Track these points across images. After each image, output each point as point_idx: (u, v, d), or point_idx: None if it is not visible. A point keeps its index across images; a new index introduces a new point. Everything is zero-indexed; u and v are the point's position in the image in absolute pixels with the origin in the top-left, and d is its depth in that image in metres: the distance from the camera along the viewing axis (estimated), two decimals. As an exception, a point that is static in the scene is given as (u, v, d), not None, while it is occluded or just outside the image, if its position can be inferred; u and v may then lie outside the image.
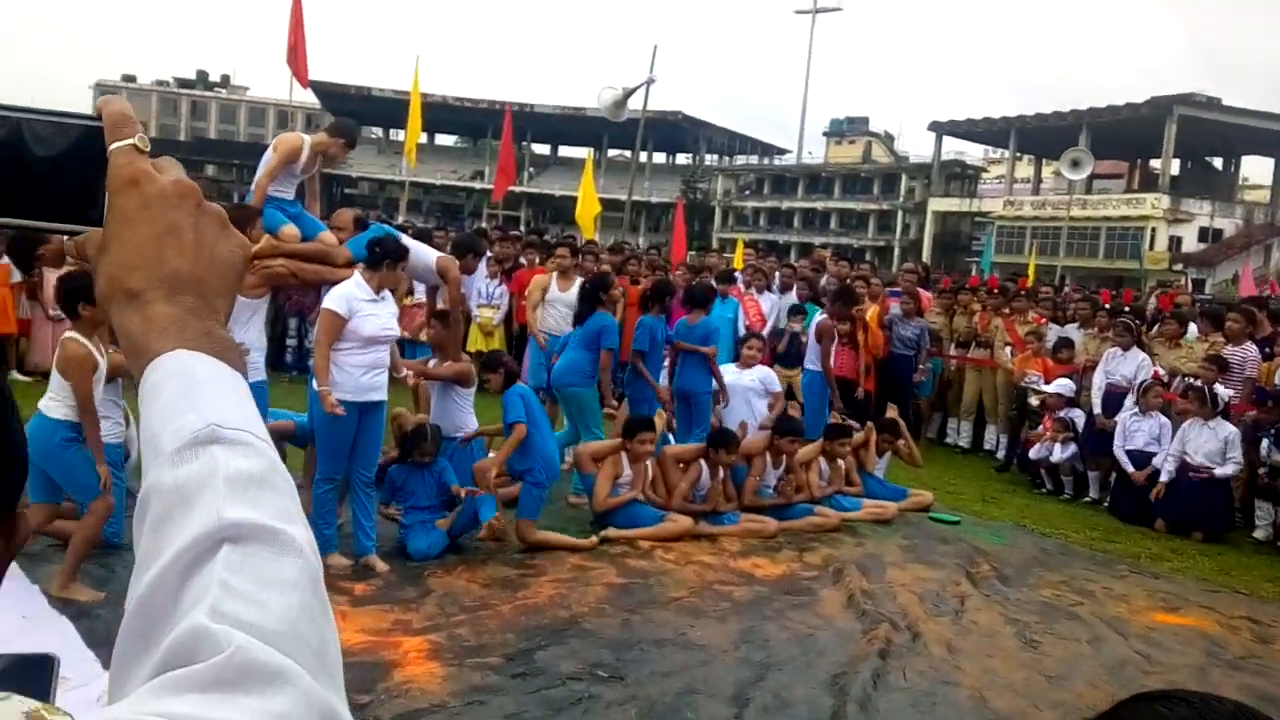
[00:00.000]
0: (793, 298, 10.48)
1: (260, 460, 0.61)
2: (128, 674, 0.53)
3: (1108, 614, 5.67)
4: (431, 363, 6.48)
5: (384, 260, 5.28)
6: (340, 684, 0.55)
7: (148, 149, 0.71)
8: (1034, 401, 9.28)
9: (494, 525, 5.75)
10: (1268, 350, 8.55)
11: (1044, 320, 10.15)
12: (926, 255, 65.42)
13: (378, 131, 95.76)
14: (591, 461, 6.47)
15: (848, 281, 10.30)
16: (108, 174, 0.69)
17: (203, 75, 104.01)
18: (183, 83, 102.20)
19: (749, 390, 7.81)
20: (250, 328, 5.47)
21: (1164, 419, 8.10)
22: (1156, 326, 9.79)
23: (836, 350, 8.62)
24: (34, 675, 0.69)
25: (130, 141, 0.71)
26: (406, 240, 6.21)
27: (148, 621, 0.54)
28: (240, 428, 0.62)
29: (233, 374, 0.66)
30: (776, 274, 11.49)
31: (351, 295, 5.18)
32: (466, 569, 5.48)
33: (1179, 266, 52.06)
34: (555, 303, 8.63)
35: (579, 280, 8.55)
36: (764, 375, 8.02)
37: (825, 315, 8.69)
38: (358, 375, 5.17)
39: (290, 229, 5.79)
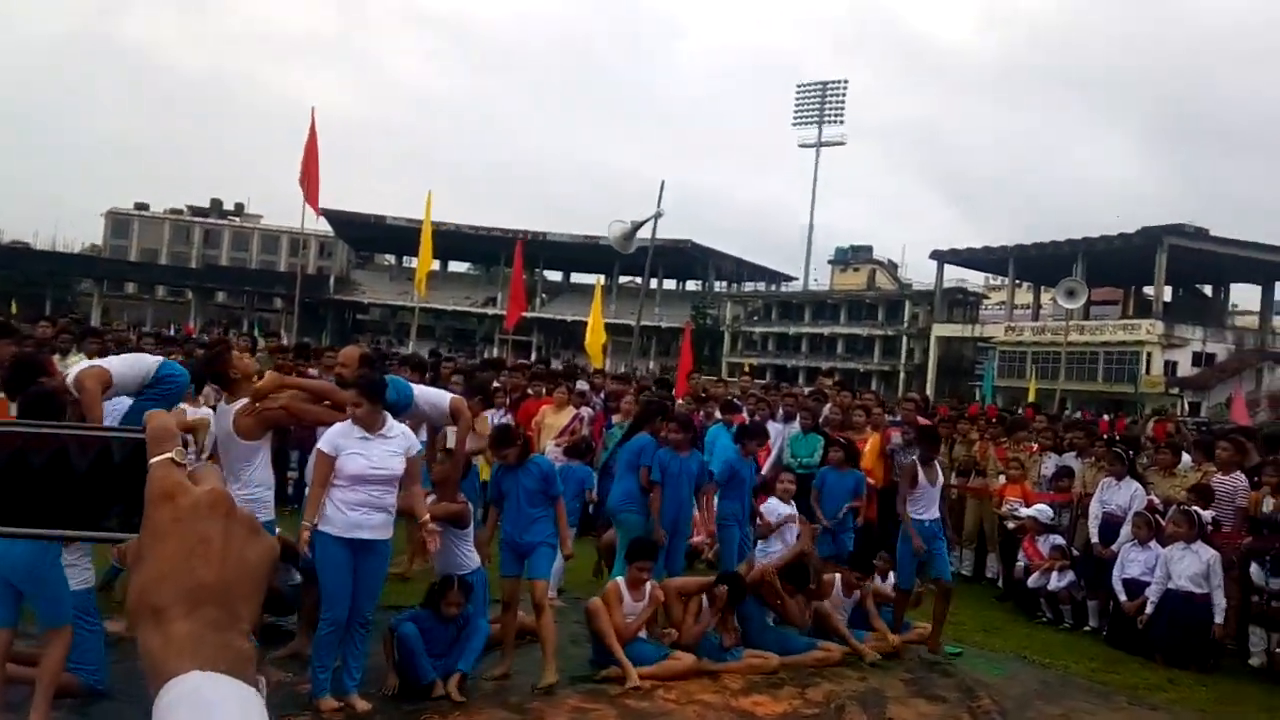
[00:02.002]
0: (796, 426, 10.70)
1: None
2: None
3: (1105, 747, 5.74)
4: (430, 499, 6.47)
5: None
6: None
7: (185, 462, 0.76)
8: (1010, 525, 9.45)
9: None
10: (1256, 479, 8.73)
11: (1034, 449, 10.36)
12: (931, 380, 66.04)
13: (390, 259, 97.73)
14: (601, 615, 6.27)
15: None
16: (146, 487, 0.73)
17: (216, 203, 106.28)
18: (196, 210, 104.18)
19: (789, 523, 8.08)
20: (259, 467, 5.60)
21: (1160, 549, 8.24)
22: (1149, 455, 9.98)
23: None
24: None
25: (168, 455, 0.74)
26: (417, 388, 6.50)
27: None
28: None
29: (243, 691, 0.69)
30: (780, 403, 11.74)
31: (340, 434, 5.31)
32: (463, 713, 5.41)
33: (1175, 390, 52.57)
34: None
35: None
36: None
37: (910, 456, 8.60)
38: (346, 512, 5.22)
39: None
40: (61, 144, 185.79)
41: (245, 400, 5.54)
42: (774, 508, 8.12)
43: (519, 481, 6.02)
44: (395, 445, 5.36)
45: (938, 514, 7.73)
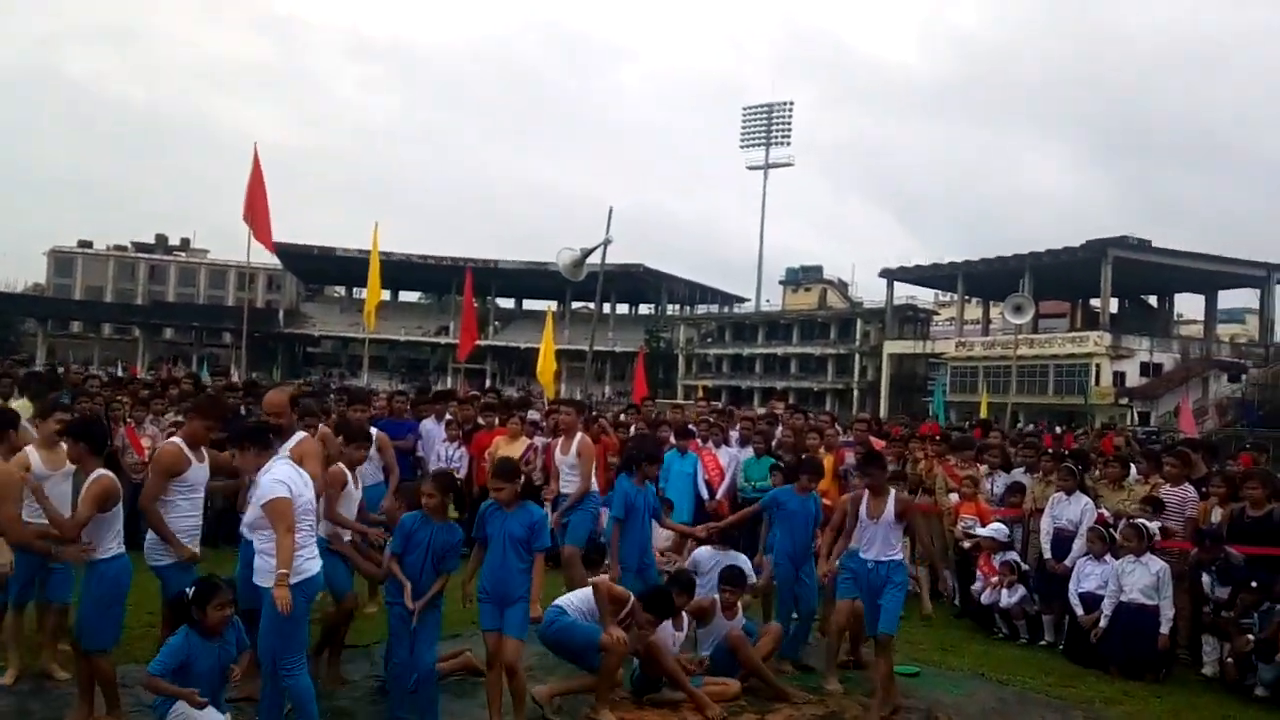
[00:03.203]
0: (750, 451, 10.72)
1: None
2: None
3: (1063, 763, 5.76)
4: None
5: (243, 443, 5.33)
6: None
7: None
8: (965, 544, 9.52)
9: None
10: (1204, 490, 8.88)
11: (979, 465, 10.44)
12: (884, 396, 66.75)
13: (340, 290, 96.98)
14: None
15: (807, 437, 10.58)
16: None
17: (162, 239, 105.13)
18: (141, 247, 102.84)
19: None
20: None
21: (1116, 562, 8.31)
22: (1099, 470, 10.09)
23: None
24: None
25: None
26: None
27: None
28: None
29: None
30: (736, 427, 11.75)
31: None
32: None
33: (1124, 400, 53.60)
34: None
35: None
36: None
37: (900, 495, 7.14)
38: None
39: None
40: None
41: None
42: (706, 556, 7.78)
43: (506, 526, 5.58)
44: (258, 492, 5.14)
45: (885, 556, 6.64)
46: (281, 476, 5.09)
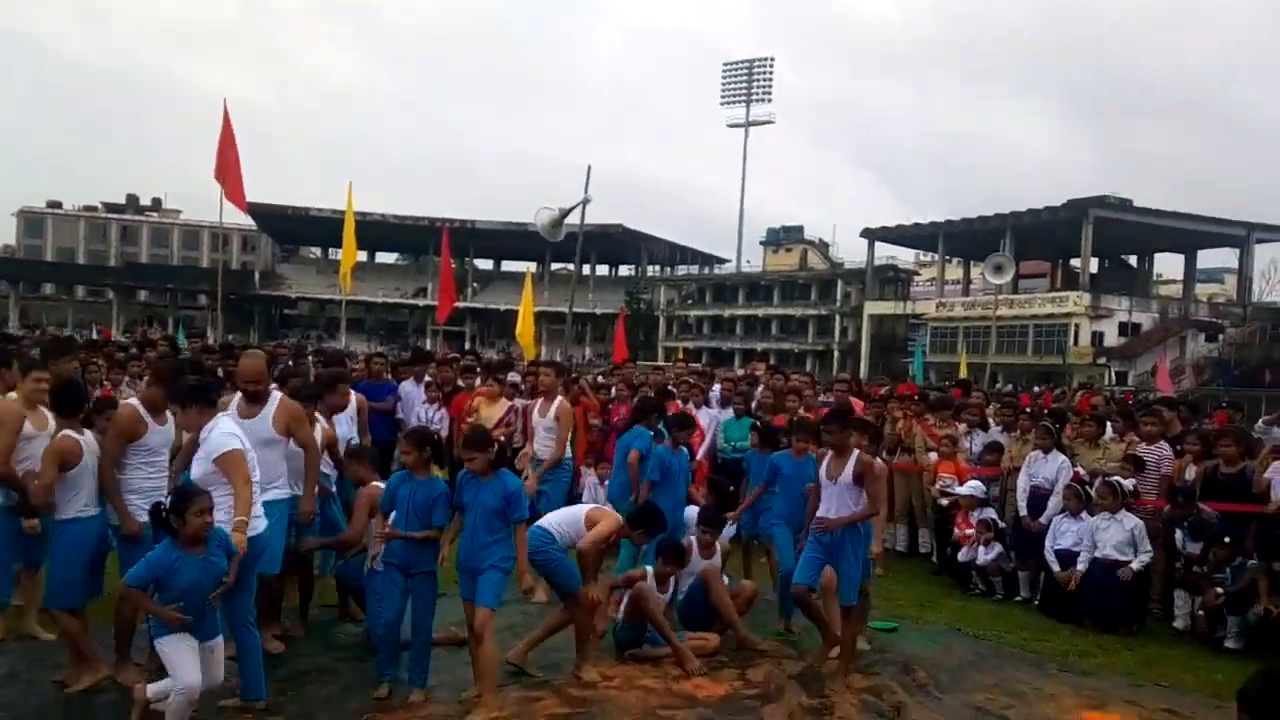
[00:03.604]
0: (730, 412, 10.72)
1: None
2: None
3: (1037, 715, 5.85)
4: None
5: (186, 401, 5.30)
6: None
7: None
8: (943, 502, 9.61)
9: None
10: (1179, 448, 8.99)
11: (958, 425, 10.52)
12: (865, 357, 67.01)
13: (316, 251, 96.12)
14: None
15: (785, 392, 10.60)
16: None
17: (133, 199, 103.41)
18: (112, 207, 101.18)
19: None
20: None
21: (1091, 519, 8.42)
22: (1075, 428, 10.19)
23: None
24: None
25: None
26: None
27: None
28: None
29: None
30: (715, 387, 11.76)
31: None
32: (405, 710, 5.39)
33: (1102, 360, 53.99)
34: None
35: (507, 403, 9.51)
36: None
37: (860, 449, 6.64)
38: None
39: None
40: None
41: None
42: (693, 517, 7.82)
43: (480, 497, 5.45)
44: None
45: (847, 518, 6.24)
46: (229, 429, 5.11)
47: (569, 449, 8.76)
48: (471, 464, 5.49)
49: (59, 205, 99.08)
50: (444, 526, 5.51)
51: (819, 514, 6.46)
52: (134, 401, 5.75)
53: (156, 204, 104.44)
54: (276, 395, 6.04)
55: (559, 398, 8.67)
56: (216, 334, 32.82)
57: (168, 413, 5.67)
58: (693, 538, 7.22)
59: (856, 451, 6.37)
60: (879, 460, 7.47)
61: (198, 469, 5.11)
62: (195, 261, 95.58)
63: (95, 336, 36.32)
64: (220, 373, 10.73)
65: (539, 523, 6.28)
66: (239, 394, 6.03)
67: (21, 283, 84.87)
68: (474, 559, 5.41)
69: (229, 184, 16.48)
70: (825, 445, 6.53)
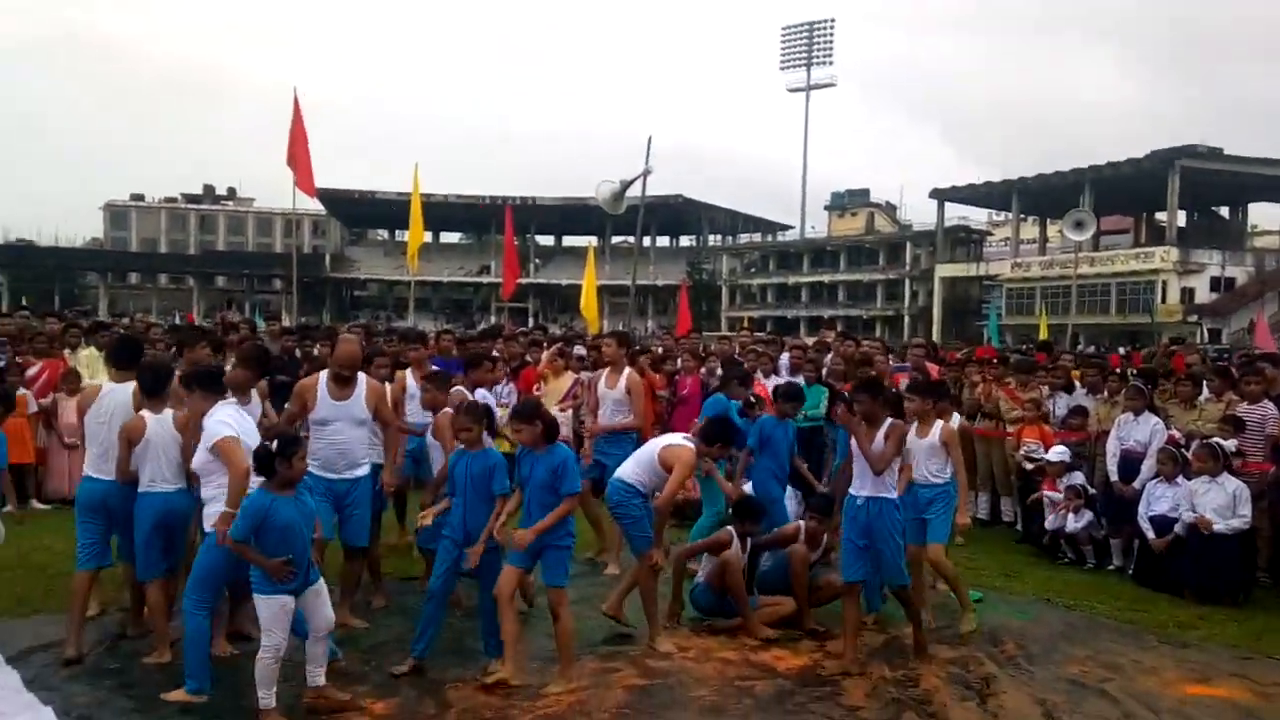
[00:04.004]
0: (800, 380, 10.45)
1: None
2: None
3: (1137, 689, 5.57)
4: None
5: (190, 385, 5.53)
6: None
7: None
8: (1028, 467, 9.25)
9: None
10: (1284, 405, 8.48)
11: (1042, 387, 10.12)
12: (936, 322, 65.71)
13: (384, 234, 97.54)
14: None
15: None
16: None
17: (209, 189, 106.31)
18: (190, 198, 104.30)
19: None
20: None
21: (1189, 483, 8.00)
22: (1169, 389, 9.69)
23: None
24: None
25: None
26: None
27: None
28: None
29: None
30: (784, 355, 11.50)
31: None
32: (485, 678, 5.37)
33: (1193, 318, 51.91)
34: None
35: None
36: None
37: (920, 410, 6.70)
38: None
39: None
40: (54, 142, 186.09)
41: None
42: None
43: (534, 470, 5.39)
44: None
45: (878, 493, 5.81)
46: (224, 418, 5.26)
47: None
48: (519, 435, 5.44)
49: (141, 198, 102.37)
50: (505, 494, 5.44)
51: (852, 490, 6.01)
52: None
53: (232, 193, 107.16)
54: (361, 376, 6.25)
55: (627, 369, 8.41)
56: (291, 316, 33.44)
57: (254, 393, 5.98)
58: (801, 523, 6.95)
59: (889, 420, 5.91)
60: (956, 421, 7.12)
61: (198, 457, 5.27)
62: (269, 247, 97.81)
63: (178, 322, 37.29)
64: (298, 354, 10.90)
65: (617, 475, 6.36)
66: (324, 375, 6.21)
67: (109, 273, 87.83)
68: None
69: (299, 171, 16.62)
70: (860, 414, 5.99)
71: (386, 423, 6.37)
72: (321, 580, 4.95)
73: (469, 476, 5.45)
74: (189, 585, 5.18)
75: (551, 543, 5.37)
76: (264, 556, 4.64)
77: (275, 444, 4.78)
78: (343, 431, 6.08)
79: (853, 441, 5.96)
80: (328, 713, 4.87)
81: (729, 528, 6.71)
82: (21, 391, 9.19)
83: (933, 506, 6.54)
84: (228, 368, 8.06)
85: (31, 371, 9.92)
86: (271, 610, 4.69)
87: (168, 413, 5.61)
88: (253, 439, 5.24)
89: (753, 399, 7.88)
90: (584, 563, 7.72)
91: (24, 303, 48.38)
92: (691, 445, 6.37)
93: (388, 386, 7.09)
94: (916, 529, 6.48)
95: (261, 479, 4.80)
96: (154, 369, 5.87)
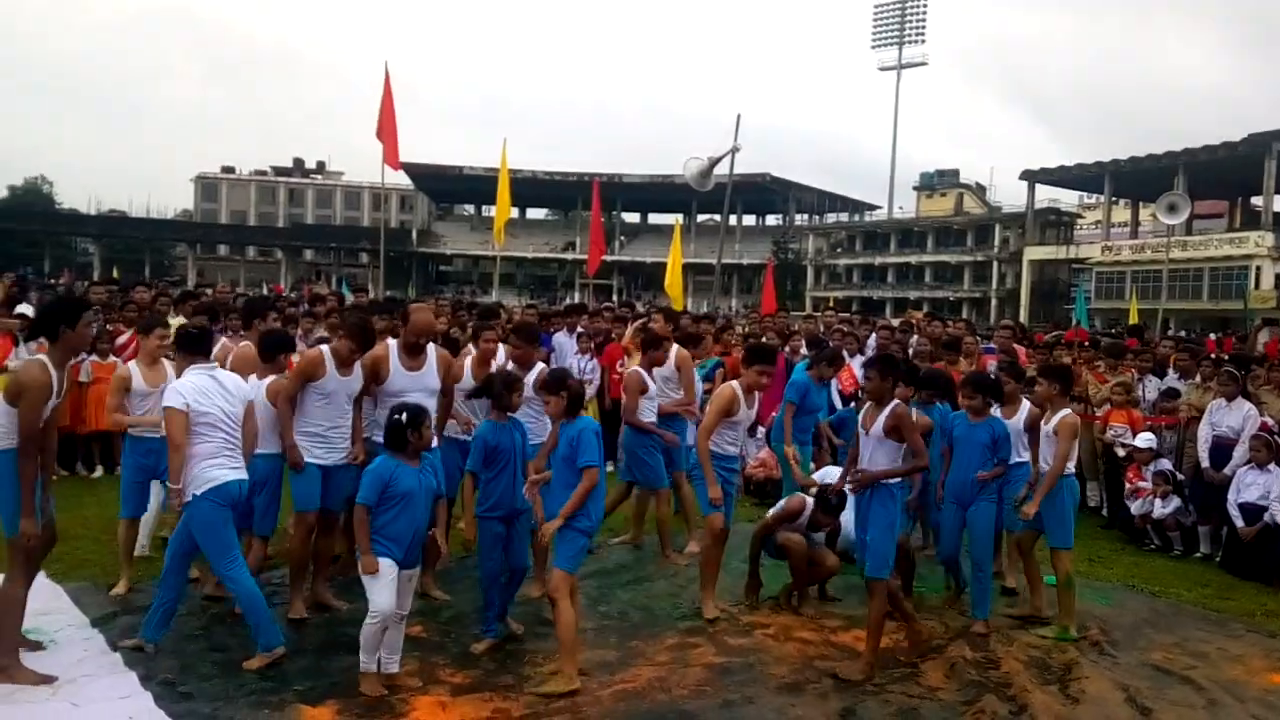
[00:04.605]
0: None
1: None
2: None
3: (1223, 677, 5.53)
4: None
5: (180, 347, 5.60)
6: None
7: None
8: (1119, 453, 9.11)
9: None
10: (1384, 395, 8.26)
11: (1131, 371, 9.94)
12: (1024, 304, 64.25)
13: (470, 209, 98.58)
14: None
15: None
16: None
17: (299, 163, 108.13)
18: (280, 171, 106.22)
19: None
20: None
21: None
22: (1264, 375, 9.47)
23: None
24: None
25: None
26: None
27: None
28: None
29: None
30: (871, 336, 11.46)
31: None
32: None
33: (1288, 305, 49.91)
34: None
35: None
36: None
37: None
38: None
39: None
40: (146, 115, 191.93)
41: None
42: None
43: (559, 443, 5.21)
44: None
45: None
46: (179, 387, 5.10)
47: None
48: (547, 407, 5.32)
49: (232, 171, 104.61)
50: (596, 465, 5.11)
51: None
52: (325, 348, 5.97)
53: (320, 167, 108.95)
54: (430, 346, 6.23)
55: (674, 346, 8.12)
56: (378, 289, 34.15)
57: (356, 365, 5.92)
58: (809, 499, 6.69)
59: (895, 401, 5.53)
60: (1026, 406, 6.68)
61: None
62: (356, 221, 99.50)
63: (267, 293, 38.32)
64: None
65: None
66: (393, 345, 6.17)
67: (199, 245, 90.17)
68: (550, 512, 5.14)
69: (386, 145, 16.93)
70: (865, 393, 5.71)
71: (446, 392, 6.29)
72: (418, 569, 5.08)
73: (514, 449, 5.45)
74: (212, 565, 5.31)
75: (567, 522, 5.04)
76: (368, 541, 4.73)
77: (404, 416, 4.87)
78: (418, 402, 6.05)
79: (859, 428, 5.66)
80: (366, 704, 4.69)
81: (799, 494, 6.76)
82: (111, 360, 9.49)
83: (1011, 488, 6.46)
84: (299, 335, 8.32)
85: (121, 339, 9.98)
86: (380, 575, 4.72)
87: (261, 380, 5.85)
88: (232, 405, 5.16)
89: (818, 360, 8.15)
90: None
91: (114, 273, 49.98)
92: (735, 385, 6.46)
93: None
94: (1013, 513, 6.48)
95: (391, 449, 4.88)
96: (273, 336, 6.26)
